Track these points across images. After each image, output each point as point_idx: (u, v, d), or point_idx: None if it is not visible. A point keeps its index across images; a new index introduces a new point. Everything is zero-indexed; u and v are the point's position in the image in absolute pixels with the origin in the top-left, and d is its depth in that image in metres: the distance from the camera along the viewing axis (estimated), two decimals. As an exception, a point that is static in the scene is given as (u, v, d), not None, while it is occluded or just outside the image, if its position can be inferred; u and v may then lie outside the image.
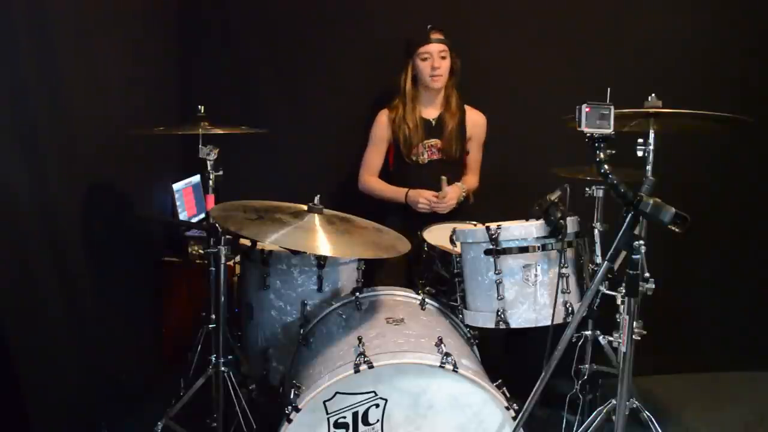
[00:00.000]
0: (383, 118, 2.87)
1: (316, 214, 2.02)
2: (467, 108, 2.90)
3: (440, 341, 1.83)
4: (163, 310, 2.89)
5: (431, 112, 2.87)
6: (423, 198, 2.68)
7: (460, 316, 2.17)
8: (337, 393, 1.75)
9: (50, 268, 2.10)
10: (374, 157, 2.91)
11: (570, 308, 1.99)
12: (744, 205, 3.15)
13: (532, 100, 3.10)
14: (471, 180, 2.94)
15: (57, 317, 2.13)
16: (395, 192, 2.82)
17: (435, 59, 2.74)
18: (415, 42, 2.77)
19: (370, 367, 1.72)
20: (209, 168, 2.15)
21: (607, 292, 1.76)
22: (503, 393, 1.81)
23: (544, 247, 2.00)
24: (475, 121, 2.91)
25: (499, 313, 2.02)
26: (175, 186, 2.93)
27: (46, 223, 2.09)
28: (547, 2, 3.13)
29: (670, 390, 2.97)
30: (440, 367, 1.73)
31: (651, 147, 1.96)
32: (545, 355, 1.77)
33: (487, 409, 1.80)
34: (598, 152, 1.64)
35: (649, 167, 1.97)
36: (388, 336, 1.90)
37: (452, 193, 2.69)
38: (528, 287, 2.01)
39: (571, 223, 2.02)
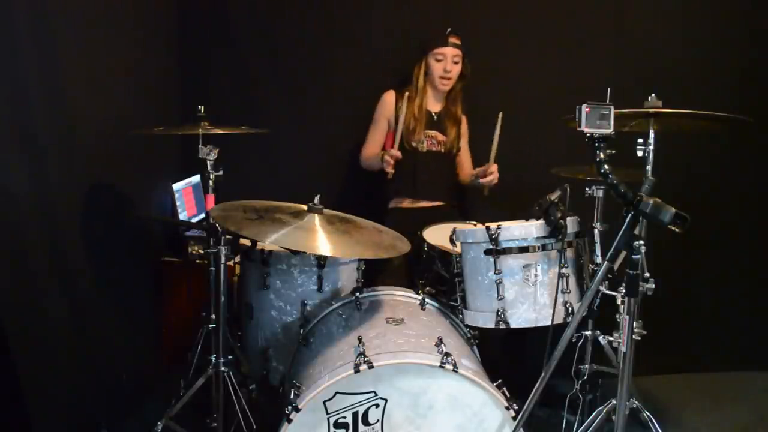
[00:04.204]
0: (390, 98, 2.94)
1: (316, 214, 2.02)
2: None
3: (440, 341, 1.83)
4: (163, 310, 2.89)
5: (435, 106, 2.96)
6: (387, 156, 2.68)
7: (460, 316, 2.17)
8: (337, 393, 1.75)
9: (50, 268, 2.10)
10: (375, 134, 2.96)
11: (570, 308, 1.99)
12: (744, 205, 3.15)
13: (532, 100, 3.10)
14: (467, 171, 3.03)
15: (57, 317, 2.13)
16: (377, 156, 2.84)
17: (448, 62, 2.82)
18: (432, 42, 2.84)
19: (370, 367, 1.72)
20: (209, 168, 2.15)
21: (607, 292, 1.76)
22: (503, 393, 1.81)
23: (544, 247, 2.00)
24: (465, 120, 3.01)
25: (499, 313, 2.02)
26: (175, 186, 2.93)
27: (46, 223, 2.09)
28: (547, 2, 3.13)
29: (670, 390, 2.97)
30: (440, 367, 1.73)
31: (651, 147, 1.96)
32: (545, 355, 1.77)
33: (487, 409, 1.80)
34: (598, 152, 1.64)
35: (649, 167, 1.97)
36: (388, 336, 1.90)
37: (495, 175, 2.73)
38: (528, 287, 2.01)
39: (571, 223, 2.02)
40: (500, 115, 2.58)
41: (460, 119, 2.97)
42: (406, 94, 2.76)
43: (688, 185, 2.96)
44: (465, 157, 3.06)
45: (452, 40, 2.82)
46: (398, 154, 2.68)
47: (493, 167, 2.70)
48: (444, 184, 2.96)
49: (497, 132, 2.61)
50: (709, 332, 3.17)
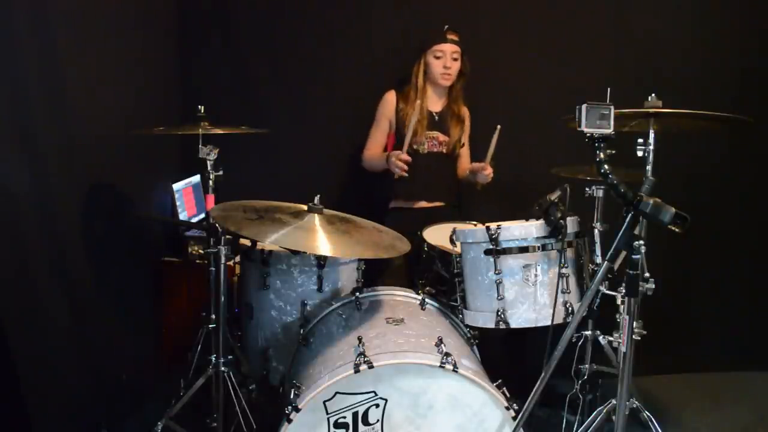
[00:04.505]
0: (391, 98, 2.92)
1: (316, 214, 2.02)
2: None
3: (440, 341, 1.83)
4: (163, 310, 2.89)
5: (436, 106, 2.93)
6: (395, 158, 2.64)
7: (460, 316, 2.17)
8: (337, 393, 1.75)
9: (50, 268, 2.11)
10: (376, 134, 2.94)
11: (570, 308, 1.99)
12: (743, 205, 3.15)
13: (532, 100, 3.10)
14: (464, 167, 2.98)
15: (57, 317, 2.13)
16: (381, 157, 2.82)
17: (447, 59, 2.80)
18: (430, 39, 2.83)
19: (370, 367, 1.72)
20: (209, 168, 2.15)
21: (607, 292, 1.76)
22: (503, 393, 1.81)
23: (544, 247, 2.00)
24: (467, 115, 2.98)
25: (499, 313, 2.02)
26: (175, 186, 2.93)
27: (46, 223, 2.09)
28: (547, 3, 3.13)
29: (670, 390, 2.97)
30: (440, 367, 1.73)
31: (651, 147, 1.96)
32: (545, 355, 1.77)
33: (487, 409, 1.80)
34: (598, 152, 1.64)
35: (649, 167, 1.97)
36: (388, 336, 1.90)
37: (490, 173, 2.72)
38: (528, 287, 2.01)
39: (571, 223, 2.02)
40: (498, 128, 2.55)
41: (463, 118, 2.94)
42: (418, 102, 2.72)
43: (688, 185, 2.96)
44: (464, 152, 3.03)
45: (450, 36, 2.81)
46: (407, 158, 2.64)
47: (488, 168, 2.70)
48: (445, 185, 2.95)
49: (494, 142, 2.59)
50: (709, 332, 3.17)
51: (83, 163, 2.28)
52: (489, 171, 2.71)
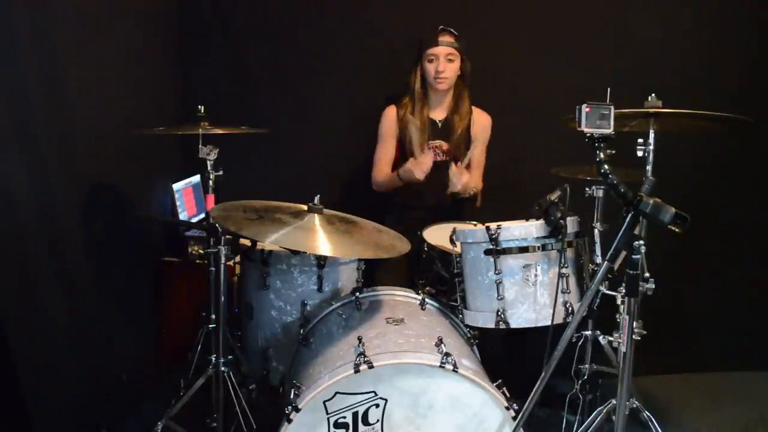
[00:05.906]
0: (391, 113, 2.84)
1: (316, 214, 2.02)
2: (474, 109, 2.87)
3: (440, 341, 1.83)
4: (163, 310, 2.89)
5: (438, 114, 2.85)
6: (409, 164, 2.61)
7: (460, 316, 2.17)
8: (337, 393, 1.75)
9: (50, 268, 2.10)
10: (384, 154, 2.85)
11: (570, 308, 1.99)
12: (744, 205, 3.15)
13: (532, 100, 3.10)
14: (474, 178, 2.83)
15: (57, 317, 2.13)
16: (393, 176, 2.76)
17: (441, 62, 2.71)
18: (424, 44, 2.75)
19: (370, 367, 1.72)
20: (209, 168, 2.15)
21: (607, 292, 1.76)
22: (503, 393, 1.81)
23: (544, 247, 2.00)
24: (482, 122, 2.88)
25: (499, 313, 2.02)
26: (175, 186, 2.93)
27: (46, 223, 2.09)
28: (547, 3, 3.13)
29: (670, 390, 2.97)
30: (440, 367, 1.74)
31: (651, 147, 1.96)
32: (545, 355, 1.77)
33: (487, 409, 1.80)
34: (598, 152, 1.65)
35: (649, 167, 1.97)
36: (388, 336, 1.90)
37: (464, 177, 2.62)
38: (528, 287, 2.01)
39: (571, 223, 2.02)
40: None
41: (467, 114, 2.82)
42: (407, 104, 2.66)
43: (688, 185, 2.96)
44: (476, 159, 2.85)
45: (444, 38, 2.71)
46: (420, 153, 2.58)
47: (465, 175, 2.61)
48: (449, 194, 2.82)
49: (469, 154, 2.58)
50: (709, 332, 3.17)
51: (83, 163, 2.28)
52: (463, 176, 2.59)
